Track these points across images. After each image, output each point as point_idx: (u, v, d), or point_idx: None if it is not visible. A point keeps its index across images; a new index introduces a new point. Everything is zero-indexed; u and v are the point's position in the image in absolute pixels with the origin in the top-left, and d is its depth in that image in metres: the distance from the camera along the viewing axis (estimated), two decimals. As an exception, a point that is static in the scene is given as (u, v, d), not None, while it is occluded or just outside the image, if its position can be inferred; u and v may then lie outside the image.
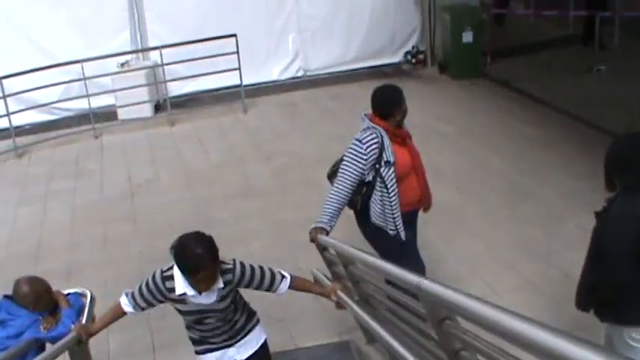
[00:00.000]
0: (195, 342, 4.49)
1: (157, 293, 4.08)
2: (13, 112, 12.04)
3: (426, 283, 2.73)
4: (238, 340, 4.43)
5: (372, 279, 4.49)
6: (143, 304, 4.19)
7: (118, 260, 8.21)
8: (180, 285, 3.99)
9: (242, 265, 4.15)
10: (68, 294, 4.97)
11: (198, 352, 4.52)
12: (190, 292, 3.99)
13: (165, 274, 4.06)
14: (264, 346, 4.63)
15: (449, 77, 13.82)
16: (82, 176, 10.99)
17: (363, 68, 14.74)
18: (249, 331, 4.48)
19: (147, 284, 4.11)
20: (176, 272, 3.99)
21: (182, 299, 4.07)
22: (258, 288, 4.24)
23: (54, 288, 4.97)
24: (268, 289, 4.27)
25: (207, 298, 4.06)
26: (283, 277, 4.31)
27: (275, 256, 7.66)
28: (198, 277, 3.84)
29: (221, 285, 4.03)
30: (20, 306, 4.49)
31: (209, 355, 4.47)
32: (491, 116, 11.37)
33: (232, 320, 4.33)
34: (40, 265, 8.11)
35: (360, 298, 4.74)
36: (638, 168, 3.81)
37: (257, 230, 8.49)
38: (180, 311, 4.20)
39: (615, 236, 3.84)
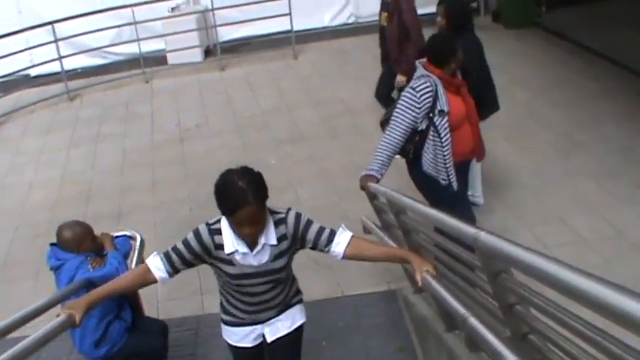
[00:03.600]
0: (225, 311, 3.95)
1: (200, 251, 3.50)
2: (65, 56, 12.18)
3: (483, 235, 2.67)
4: (272, 317, 3.90)
5: (423, 228, 4.43)
6: (180, 266, 3.57)
7: (167, 203, 8.32)
8: (230, 241, 3.46)
9: (296, 214, 3.57)
10: (117, 237, 5.04)
11: (225, 322, 3.98)
12: (242, 248, 3.46)
13: (212, 227, 3.50)
14: (299, 330, 4.04)
15: (502, 26, 13.51)
16: (133, 120, 11.10)
17: (415, 16, 14.43)
18: (287, 308, 3.94)
19: (187, 242, 3.51)
20: (224, 226, 3.48)
21: (230, 259, 3.52)
22: (315, 243, 3.59)
23: (104, 230, 5.03)
24: (328, 244, 3.59)
25: (259, 258, 3.52)
26: (343, 230, 3.67)
27: (323, 202, 7.69)
28: (240, 217, 3.25)
29: (274, 242, 3.50)
30: (66, 251, 4.60)
31: (236, 328, 3.95)
32: (546, 67, 11.10)
33: (276, 293, 3.78)
34: (91, 207, 8.26)
35: (410, 248, 4.69)
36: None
37: (305, 177, 8.49)
38: (225, 273, 3.59)
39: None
